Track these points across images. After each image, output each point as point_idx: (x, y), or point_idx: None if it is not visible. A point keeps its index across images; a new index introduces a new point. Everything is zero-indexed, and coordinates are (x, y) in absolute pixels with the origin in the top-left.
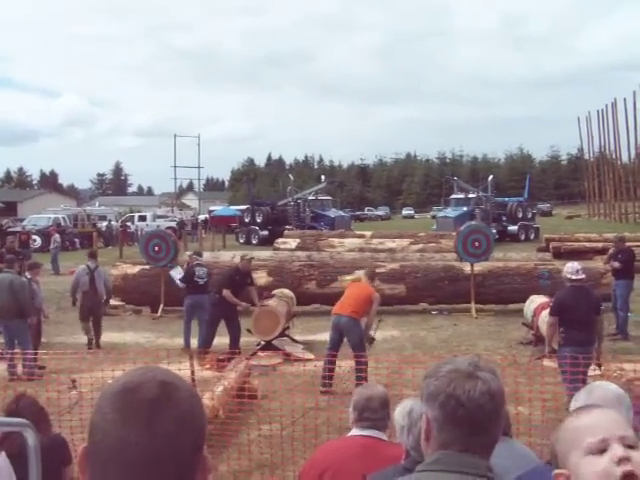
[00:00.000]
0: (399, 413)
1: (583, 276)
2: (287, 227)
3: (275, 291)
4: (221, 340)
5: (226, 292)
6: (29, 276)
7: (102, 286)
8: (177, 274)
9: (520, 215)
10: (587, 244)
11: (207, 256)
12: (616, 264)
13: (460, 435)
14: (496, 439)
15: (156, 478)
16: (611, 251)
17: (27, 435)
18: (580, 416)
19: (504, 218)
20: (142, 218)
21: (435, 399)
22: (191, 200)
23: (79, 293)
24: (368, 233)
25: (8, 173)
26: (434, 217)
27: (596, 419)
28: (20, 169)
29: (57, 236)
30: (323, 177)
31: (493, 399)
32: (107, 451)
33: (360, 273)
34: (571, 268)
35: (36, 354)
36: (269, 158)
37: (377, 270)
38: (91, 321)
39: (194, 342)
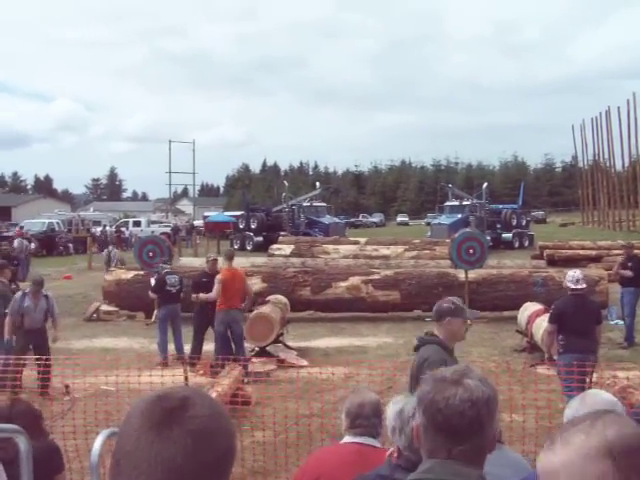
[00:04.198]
0: (390, 414)
1: (584, 286)
2: (282, 233)
3: (269, 297)
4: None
5: (194, 296)
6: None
7: None
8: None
9: (514, 222)
10: (581, 251)
11: (202, 262)
12: (628, 272)
13: (442, 442)
14: (483, 447)
15: None
16: (620, 259)
17: (19, 441)
18: (544, 455)
19: (498, 225)
20: (137, 223)
21: (420, 406)
22: (186, 206)
23: None
24: (362, 240)
25: (2, 177)
26: (428, 224)
27: (552, 466)
28: (15, 174)
29: (23, 241)
30: (318, 184)
31: (474, 406)
32: (130, 455)
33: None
34: (572, 277)
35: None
36: (264, 164)
37: (371, 277)
38: None
39: (172, 348)
